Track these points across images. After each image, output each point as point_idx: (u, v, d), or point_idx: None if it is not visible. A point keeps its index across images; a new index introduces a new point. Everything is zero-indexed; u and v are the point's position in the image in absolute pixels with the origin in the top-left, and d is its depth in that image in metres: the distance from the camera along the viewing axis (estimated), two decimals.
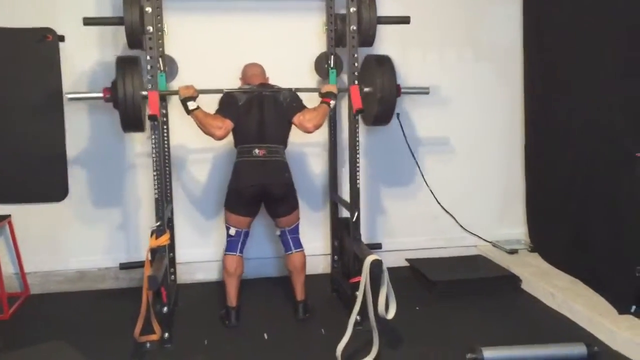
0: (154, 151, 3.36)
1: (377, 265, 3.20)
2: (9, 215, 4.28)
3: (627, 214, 3.54)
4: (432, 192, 4.91)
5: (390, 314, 3.25)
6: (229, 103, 3.67)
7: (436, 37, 4.76)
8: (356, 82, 3.56)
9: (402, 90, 3.82)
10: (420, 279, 4.44)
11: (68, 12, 4.20)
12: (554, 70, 4.41)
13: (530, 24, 4.73)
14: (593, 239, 3.92)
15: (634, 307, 3.48)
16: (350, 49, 3.54)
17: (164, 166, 3.45)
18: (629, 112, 3.57)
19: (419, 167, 4.87)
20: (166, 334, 3.44)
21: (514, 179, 5.04)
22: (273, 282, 4.50)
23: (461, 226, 5.01)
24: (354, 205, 3.64)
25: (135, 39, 3.22)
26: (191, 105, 3.53)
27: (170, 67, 4.04)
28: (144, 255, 4.44)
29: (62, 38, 4.27)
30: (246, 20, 4.45)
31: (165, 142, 4.08)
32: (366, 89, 3.75)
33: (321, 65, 4.25)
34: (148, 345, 3.43)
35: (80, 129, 4.41)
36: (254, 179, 3.62)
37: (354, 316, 3.25)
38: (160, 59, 3.79)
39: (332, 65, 4.06)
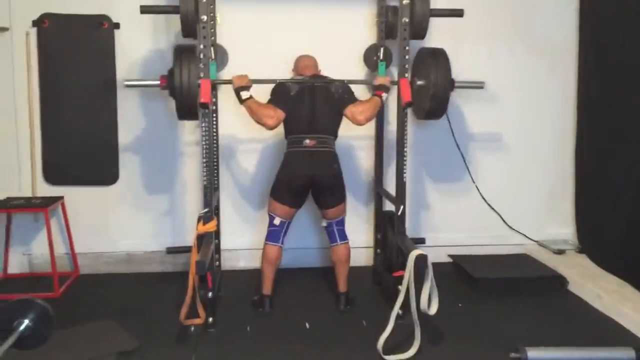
0: (204, 139, 3.41)
1: (422, 259, 3.20)
2: (62, 197, 4.41)
3: None
4: (477, 189, 4.85)
5: (433, 310, 3.24)
6: (281, 93, 3.70)
7: (487, 30, 4.69)
8: (407, 74, 3.53)
9: (456, 84, 3.77)
10: (463, 275, 4.40)
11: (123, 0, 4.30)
12: (610, 67, 4.29)
13: (586, 19, 4.61)
14: None
15: None
16: (401, 41, 3.52)
17: (212, 154, 3.48)
18: None
19: (465, 163, 4.81)
20: (210, 319, 3.50)
21: (563, 177, 4.94)
22: (313, 273, 4.53)
23: (507, 224, 4.93)
24: (399, 199, 3.63)
25: (189, 27, 3.27)
26: (244, 94, 3.57)
27: (221, 57, 4.09)
28: (189, 240, 4.56)
29: (117, 25, 4.38)
30: (296, 11, 4.47)
31: (214, 130, 4.13)
32: (419, 82, 3.72)
33: (370, 58, 4.24)
34: (192, 329, 3.50)
35: (132, 116, 4.52)
36: (303, 170, 3.64)
37: (396, 310, 3.25)
38: (211, 48, 3.87)
39: (381, 58, 4.04)
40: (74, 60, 4.39)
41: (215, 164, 4.14)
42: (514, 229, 4.95)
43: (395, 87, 3.72)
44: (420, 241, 4.16)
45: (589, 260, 4.51)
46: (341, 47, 4.47)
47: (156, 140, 4.56)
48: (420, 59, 3.83)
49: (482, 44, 4.70)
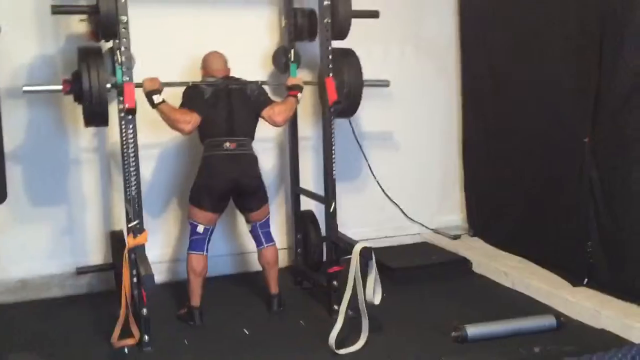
0: (130, 147, 3.21)
1: (367, 252, 3.28)
2: None
3: (576, 197, 3.84)
4: (378, 183, 5.05)
5: (377, 299, 3.33)
6: (194, 96, 3.59)
7: (381, 33, 4.89)
8: (330, 74, 3.60)
9: (365, 83, 3.90)
10: (378, 267, 4.54)
11: (4, 1, 3.92)
12: (490, 62, 4.71)
13: (465, 21, 5.00)
14: (541, 221, 4.22)
15: (586, 280, 3.80)
16: (323, 42, 3.58)
17: (138, 163, 3.29)
18: (574, 100, 3.88)
19: (366, 159, 4.98)
20: (146, 337, 3.30)
21: (451, 169, 5.31)
22: (229, 280, 4.45)
23: (406, 215, 5.19)
24: (330, 196, 3.69)
25: (110, 29, 3.05)
26: (156, 98, 3.41)
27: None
28: (94, 259, 4.28)
29: None
30: (200, 15, 4.36)
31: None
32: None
33: (278, 59, 4.25)
34: (126, 350, 3.28)
35: (18, 127, 4.11)
36: (226, 174, 3.55)
37: (345, 304, 3.29)
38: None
39: (292, 59, 4.07)
40: None
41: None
42: (412, 219, 5.22)
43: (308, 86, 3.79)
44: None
45: (484, 243, 4.89)
46: (244, 50, 4.43)
47: (47, 151, 4.20)
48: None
49: (376, 46, 4.90)
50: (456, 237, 5.05)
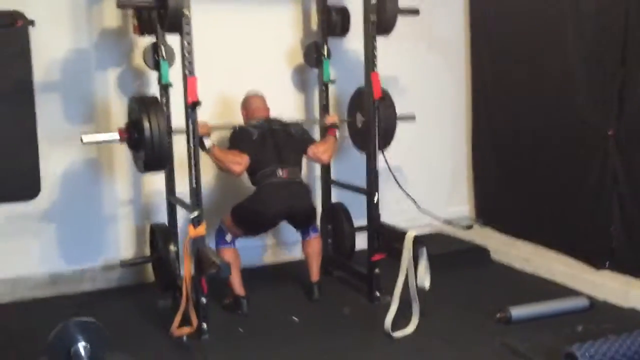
0: (192, 140, 3.27)
1: (420, 240, 3.43)
2: None
3: (599, 185, 4.09)
4: (394, 177, 5.19)
5: (427, 284, 3.49)
6: (243, 138, 3.73)
7: (396, 29, 5.05)
8: (375, 69, 3.74)
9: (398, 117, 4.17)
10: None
11: None
12: (499, 58, 4.95)
13: (475, 17, 5.23)
14: (558, 208, 4.45)
15: (607, 262, 4.05)
16: (369, 38, 3.72)
17: (198, 155, 3.36)
18: (593, 95, 4.12)
19: (383, 155, 5.11)
20: (204, 325, 3.37)
21: (460, 163, 5.51)
22: (259, 272, 4.52)
23: (418, 207, 5.34)
24: (373, 187, 3.84)
25: (176, 23, 3.11)
26: (207, 143, 3.51)
27: (170, 56, 3.89)
28: (123, 254, 4.30)
29: (32, 22, 3.95)
30: (223, 10, 4.40)
31: None
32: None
33: (310, 55, 4.37)
34: (185, 338, 3.34)
35: (53, 123, 4.11)
36: (280, 203, 3.68)
37: (398, 289, 3.44)
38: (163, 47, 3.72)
39: (326, 55, 4.20)
40: None
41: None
42: (424, 211, 5.39)
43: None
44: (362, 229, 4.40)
45: (496, 232, 5.10)
46: (267, 46, 4.55)
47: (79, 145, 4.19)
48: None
49: (391, 42, 5.04)
50: (469, 227, 5.24)
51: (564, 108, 4.33)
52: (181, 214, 3.95)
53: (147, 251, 4.11)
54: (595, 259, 4.10)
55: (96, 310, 3.79)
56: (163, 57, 3.69)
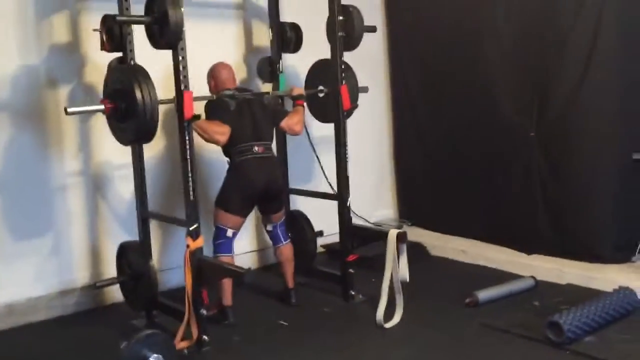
0: (187, 153, 3.31)
1: (403, 236, 3.73)
2: None
3: (524, 181, 4.68)
4: (330, 184, 5.45)
5: (407, 278, 3.79)
6: (221, 109, 3.79)
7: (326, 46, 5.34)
8: (344, 82, 4.00)
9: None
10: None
11: None
12: (422, 65, 5.49)
13: (393, 29, 5.70)
14: (486, 205, 5.00)
15: (536, 247, 4.63)
16: (339, 53, 3.96)
17: (195, 167, 3.40)
18: (515, 100, 4.72)
19: (319, 162, 5.36)
20: (205, 337, 3.40)
21: (384, 168, 5.94)
22: None
23: (353, 212, 5.66)
24: (344, 192, 4.09)
25: (176, 38, 3.14)
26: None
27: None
28: (78, 276, 4.16)
29: None
30: None
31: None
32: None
33: (264, 70, 4.51)
34: (186, 351, 3.35)
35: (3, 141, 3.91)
36: (259, 177, 3.78)
37: (386, 283, 3.70)
38: None
39: (281, 70, 4.40)
40: None
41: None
42: (357, 215, 5.72)
43: None
44: (319, 234, 4.64)
45: (427, 231, 5.55)
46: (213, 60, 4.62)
47: (27, 174, 4.04)
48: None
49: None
50: (399, 227, 5.65)
51: (489, 110, 4.87)
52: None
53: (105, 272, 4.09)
54: (526, 247, 4.67)
55: (75, 334, 3.76)
56: None
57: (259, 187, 3.79)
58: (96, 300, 4.25)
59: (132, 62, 3.62)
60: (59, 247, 4.15)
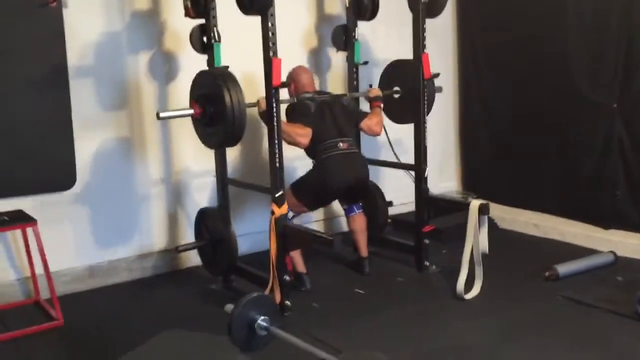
0: (275, 120, 3.32)
1: (485, 207, 3.68)
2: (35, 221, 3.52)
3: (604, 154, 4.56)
4: (396, 155, 5.42)
5: (487, 249, 3.75)
6: (303, 111, 3.81)
7: (397, 15, 5.25)
8: (425, 50, 3.94)
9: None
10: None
11: None
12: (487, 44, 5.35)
13: (462, 4, 5.57)
14: (559, 178, 4.89)
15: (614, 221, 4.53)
16: (421, 20, 3.90)
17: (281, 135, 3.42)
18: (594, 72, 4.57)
19: (387, 134, 5.31)
20: (287, 302, 3.44)
21: (449, 139, 5.85)
22: None
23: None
24: (422, 162, 4.09)
25: (267, 2, 3.15)
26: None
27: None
28: (155, 242, 4.23)
29: (64, 4, 3.78)
30: None
31: None
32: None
33: (338, 38, 4.47)
34: None
35: (88, 112, 3.98)
36: (345, 174, 3.79)
37: (467, 255, 3.68)
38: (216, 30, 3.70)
39: (356, 37, 4.35)
40: (16, 45, 3.64)
41: None
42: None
43: None
44: (389, 204, 4.61)
45: (494, 204, 5.46)
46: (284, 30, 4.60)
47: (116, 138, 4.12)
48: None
49: (393, 28, 5.25)
50: (465, 199, 5.59)
51: (563, 85, 4.74)
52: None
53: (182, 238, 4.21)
54: (603, 220, 4.56)
55: (153, 296, 3.84)
56: (216, 39, 3.67)
57: (346, 183, 3.81)
58: (172, 265, 4.34)
59: (215, 30, 3.63)
60: (138, 214, 4.25)
